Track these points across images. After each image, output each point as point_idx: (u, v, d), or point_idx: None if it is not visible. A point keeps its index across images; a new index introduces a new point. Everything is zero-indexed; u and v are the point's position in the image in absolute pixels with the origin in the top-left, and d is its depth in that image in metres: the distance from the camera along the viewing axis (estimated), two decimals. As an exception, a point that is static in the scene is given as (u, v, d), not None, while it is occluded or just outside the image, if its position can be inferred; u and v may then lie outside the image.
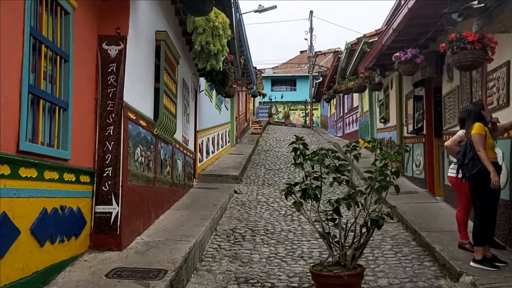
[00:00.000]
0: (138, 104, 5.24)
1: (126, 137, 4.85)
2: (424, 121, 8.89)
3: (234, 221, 7.27)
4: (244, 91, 21.50)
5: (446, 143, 5.19)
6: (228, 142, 16.73)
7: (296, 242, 6.10)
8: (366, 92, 15.29)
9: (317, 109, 37.75)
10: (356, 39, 13.70)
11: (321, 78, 26.59)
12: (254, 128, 24.01)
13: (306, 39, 36.21)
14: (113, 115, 4.71)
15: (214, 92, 13.38)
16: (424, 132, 8.91)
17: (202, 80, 11.21)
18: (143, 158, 5.45)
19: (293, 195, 4.13)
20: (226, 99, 16.28)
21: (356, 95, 18.23)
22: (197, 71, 9.91)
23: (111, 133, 4.69)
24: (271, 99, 38.94)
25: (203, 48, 5.92)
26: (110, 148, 4.68)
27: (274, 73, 43.75)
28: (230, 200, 8.85)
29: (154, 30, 5.98)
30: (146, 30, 5.64)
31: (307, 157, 3.99)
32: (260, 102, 37.88)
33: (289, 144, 4.33)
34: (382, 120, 12.65)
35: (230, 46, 8.47)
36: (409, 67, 7.26)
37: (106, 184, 4.64)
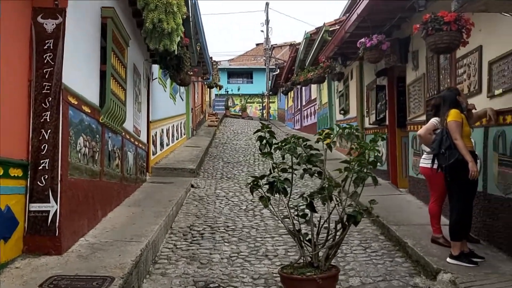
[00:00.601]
0: (80, 87, 4.60)
1: (66, 125, 4.21)
2: (387, 111, 8.66)
3: (191, 217, 6.74)
4: (200, 82, 20.84)
5: (419, 132, 4.88)
6: (184, 134, 16.07)
7: (259, 239, 5.66)
8: (325, 84, 15.08)
9: (274, 102, 37.57)
10: (316, 28, 13.43)
11: (278, 70, 26.32)
12: (211, 121, 23.41)
13: (262, 31, 35.79)
14: (50, 98, 4.06)
15: (168, 81, 12.71)
16: (387, 122, 8.69)
17: (156, 68, 10.56)
18: (87, 149, 4.82)
19: (259, 189, 3.66)
20: (181, 89, 15.62)
21: (314, 87, 18.02)
22: (149, 57, 9.26)
23: (48, 120, 4.05)
24: (227, 91, 38.43)
25: (155, 26, 5.33)
26: (47, 137, 4.04)
27: (230, 65, 43.17)
28: (187, 195, 8.30)
29: (99, 6, 5.33)
30: (90, 5, 4.99)
31: (276, 146, 3.53)
32: (216, 95, 37.26)
33: (254, 132, 3.86)
34: (342, 112, 12.43)
35: (185, 28, 7.89)
36: (375, 54, 6.95)
37: (42, 178, 4.00)
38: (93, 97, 5.08)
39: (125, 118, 6.35)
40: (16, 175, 3.77)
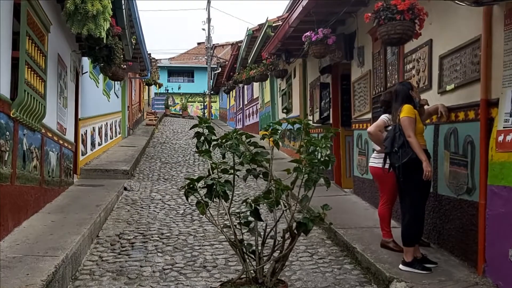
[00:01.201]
0: (-17, 74, 3.87)
1: (-39, 118, 3.49)
2: (331, 109, 8.43)
3: (121, 224, 6.09)
4: (138, 79, 19.88)
5: (369, 129, 4.57)
6: (119, 134, 15.16)
7: (197, 247, 5.14)
8: (268, 82, 14.78)
9: (215, 101, 37.04)
10: (258, 25, 13.04)
11: (220, 69, 25.78)
12: (149, 120, 22.44)
13: (203, 29, 35.06)
14: None
15: (101, 77, 11.83)
16: (331, 121, 8.44)
17: (87, 62, 9.72)
18: (-8, 148, 4.09)
19: (195, 194, 3.15)
20: (116, 86, 14.71)
21: (256, 86, 17.70)
22: (79, 48, 8.44)
23: None
24: (167, 90, 37.42)
25: (77, 8, 4.66)
26: None
27: (171, 63, 42.12)
28: (118, 199, 7.60)
29: (11, -18, 4.59)
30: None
31: (215, 143, 3.04)
32: (156, 93, 36.16)
33: (191, 128, 3.35)
34: (285, 111, 12.15)
35: (117, 16, 7.21)
36: (320, 49, 6.64)
37: None
38: (2, 87, 4.33)
39: (45, 113, 5.60)
40: None
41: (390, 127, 4.23)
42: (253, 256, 3.04)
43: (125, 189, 8.39)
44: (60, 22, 6.57)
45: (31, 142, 5.35)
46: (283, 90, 12.37)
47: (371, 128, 4.55)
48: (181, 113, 33.50)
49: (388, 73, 5.92)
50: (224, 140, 2.97)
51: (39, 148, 5.75)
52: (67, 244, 4.27)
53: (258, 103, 17.73)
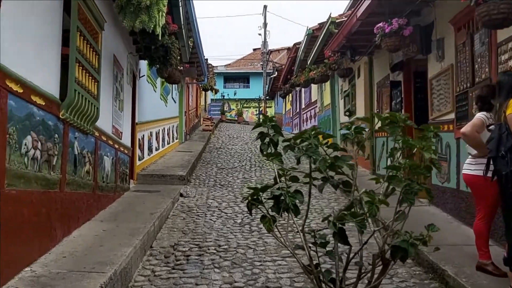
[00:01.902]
0: (29, 71, 3.54)
1: (2, 118, 3.15)
2: (402, 110, 7.63)
3: (176, 233, 5.67)
4: (195, 84, 19.81)
5: (464, 130, 3.82)
6: (176, 139, 15.02)
7: (258, 263, 4.60)
8: (327, 84, 14.10)
9: (271, 106, 36.63)
10: (318, 24, 12.42)
11: (276, 73, 25.33)
12: (206, 125, 22.36)
13: (260, 34, 34.98)
14: (-22, 82, 3.02)
15: (159, 81, 11.70)
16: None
17: (144, 65, 9.53)
18: (38, 152, 3.76)
19: (259, 206, 2.61)
20: (174, 91, 14.59)
21: (314, 89, 17.04)
22: (136, 51, 8.23)
23: (-26, 111, 3.00)
24: (223, 96, 37.49)
25: (130, -2, 4.30)
26: (-28, 134, 2.98)
27: (226, 70, 42.28)
28: (174, 205, 7.23)
29: (61, -26, 4.30)
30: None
31: (286, 144, 2.48)
32: (212, 99, 36.33)
33: (253, 128, 2.82)
34: (347, 113, 11.41)
35: (173, 14, 6.88)
36: (394, 41, 5.94)
37: (-36, 190, 2.94)
38: (50, 86, 4.02)
39: (98, 115, 5.29)
40: None
41: (492, 127, 3.50)
42: (332, 286, 2.45)
43: (181, 195, 8.04)
44: (116, 22, 6.31)
45: (83, 145, 5.05)
46: (345, 91, 11.65)
47: (466, 128, 3.80)
48: (236, 118, 33.39)
49: (476, 66, 5.12)
50: (299, 140, 2.40)
51: (93, 152, 5.46)
52: (116, 258, 3.86)
53: (316, 106, 17.05)
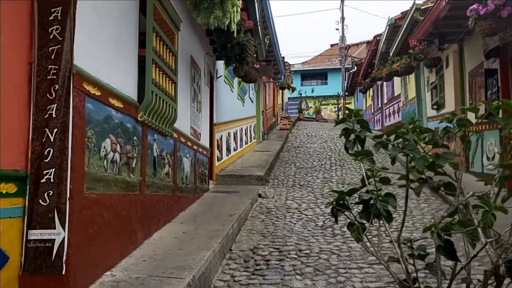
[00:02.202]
0: (106, 73, 3.53)
1: (80, 122, 3.14)
2: (500, 101, 6.86)
3: (256, 236, 5.50)
4: (272, 83, 19.71)
5: None
6: (254, 139, 14.99)
7: (343, 270, 4.28)
8: (412, 76, 13.29)
9: (350, 102, 35.61)
10: (401, 13, 11.72)
11: (355, 68, 24.52)
12: (283, 124, 22.20)
13: (337, 29, 34.24)
14: (57, 86, 3.02)
15: (235, 81, 11.70)
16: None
17: (221, 66, 9.54)
18: (117, 155, 3.75)
19: (346, 212, 2.32)
20: (251, 91, 14.57)
21: (397, 82, 16.19)
22: (212, 52, 8.22)
23: (54, 115, 3.00)
24: (301, 94, 37.15)
25: (203, -7, 4.18)
26: (52, 139, 2.98)
27: (303, 67, 41.84)
28: (253, 207, 7.09)
29: (136, -24, 4.28)
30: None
31: (378, 141, 2.17)
32: (289, 98, 36.13)
33: (336, 124, 2.53)
34: (435, 107, 10.62)
35: (248, 10, 6.74)
36: (491, 24, 5.33)
37: (46, 195, 2.94)
38: (128, 88, 4.01)
39: (176, 117, 5.26)
40: (6, 191, 2.74)
41: None
42: (434, 306, 2.10)
43: (260, 196, 7.89)
44: (193, 23, 6.29)
45: (162, 147, 5.04)
46: (432, 83, 10.86)
47: None
48: (314, 116, 32.90)
49: None
50: (396, 136, 2.07)
51: (172, 153, 5.45)
52: (195, 263, 3.74)
53: (400, 100, 16.18)
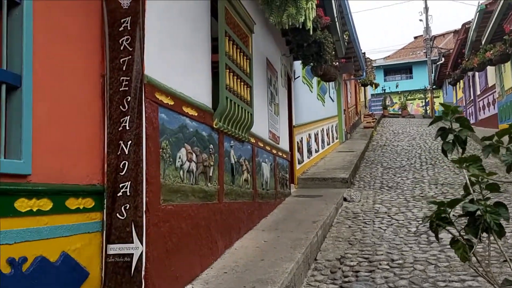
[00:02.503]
0: (178, 82, 3.45)
1: (154, 133, 3.07)
2: None
3: (342, 244, 5.18)
4: (353, 80, 19.07)
5: None
6: (336, 139, 14.55)
7: (442, 284, 3.84)
8: (508, 65, 12.10)
9: (439, 96, 33.64)
10: (492, -4, 10.70)
11: (443, 59, 23.05)
12: (367, 122, 21.40)
13: (420, 20, 32.26)
14: (129, 98, 2.96)
15: (314, 80, 11.40)
16: None
17: (299, 66, 9.30)
18: (193, 164, 3.65)
19: (447, 226, 1.97)
20: (331, 89, 14.15)
21: (491, 72, 14.87)
22: (289, 52, 8.01)
23: (128, 127, 2.94)
24: (384, 90, 35.79)
25: (275, -8, 3.97)
26: (127, 151, 2.93)
27: (386, 62, 40.33)
28: (338, 211, 6.75)
29: (206, -20, 4.18)
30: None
31: (488, 144, 1.81)
32: (372, 95, 34.96)
33: (431, 123, 2.19)
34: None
35: (325, 6, 6.43)
36: None
37: (123, 209, 2.89)
38: (202, 95, 3.91)
39: (252, 122, 5.11)
40: (84, 206, 2.72)
41: None
42: None
43: (345, 199, 7.52)
44: (267, 23, 6.12)
45: (239, 154, 4.90)
46: (534, 70, 9.76)
47: None
48: (400, 112, 31.48)
49: None
50: (508, 139, 1.71)
51: (250, 159, 5.31)
52: (278, 275, 3.54)
53: (495, 91, 14.85)
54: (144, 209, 2.88)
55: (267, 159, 6.14)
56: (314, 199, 7.20)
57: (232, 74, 4.49)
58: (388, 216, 6.34)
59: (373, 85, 25.85)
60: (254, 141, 5.49)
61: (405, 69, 39.73)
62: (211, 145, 4.05)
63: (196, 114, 3.73)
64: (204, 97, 3.96)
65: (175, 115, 3.39)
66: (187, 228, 3.47)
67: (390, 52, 44.80)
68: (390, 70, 39.44)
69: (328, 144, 12.87)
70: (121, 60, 3.00)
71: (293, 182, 8.29)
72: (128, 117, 2.95)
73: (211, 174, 4.01)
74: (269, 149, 6.30)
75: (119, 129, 2.95)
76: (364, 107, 28.09)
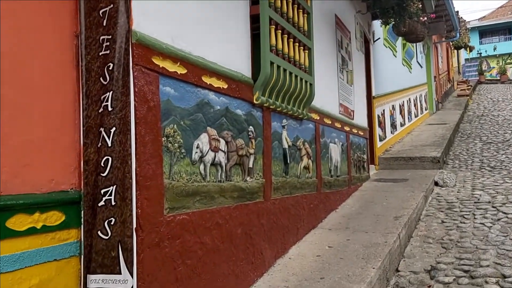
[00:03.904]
0: (194, 41, 2.48)
1: (150, 115, 2.15)
2: None
3: (433, 248, 4.00)
4: (444, 42, 16.92)
5: None
6: (425, 110, 12.88)
7: None
8: None
9: (547, 57, 29.57)
10: None
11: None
12: (461, 90, 19.11)
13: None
14: (111, 65, 2.06)
15: (399, 43, 9.91)
16: None
17: (379, 27, 7.93)
18: (222, 154, 2.70)
19: None
20: (418, 54, 12.44)
21: None
22: (366, 9, 6.72)
23: (110, 108, 2.06)
24: (480, 53, 32.29)
25: None
26: (109, 143, 2.05)
27: (481, 23, 36.38)
28: (427, 200, 5.51)
29: None
30: None
31: None
32: (466, 59, 31.70)
33: None
34: None
35: None
36: None
37: (106, 225, 2.04)
38: (234, 60, 2.92)
39: (311, 93, 4.02)
40: (40, 225, 1.89)
41: None
42: None
43: (436, 184, 6.22)
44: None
45: (296, 135, 3.87)
46: None
47: None
48: (498, 78, 28.13)
49: None
50: None
51: (312, 141, 4.25)
52: (339, 308, 2.52)
53: None
54: (135, 225, 2.00)
55: (336, 139, 5.04)
56: (398, 184, 5.99)
57: (281, 32, 3.43)
58: (493, 207, 5.00)
59: (468, 48, 23.13)
60: (318, 118, 4.41)
61: (504, 30, 35.83)
62: (251, 127, 3.07)
63: (225, 87, 2.76)
64: (238, 63, 2.96)
65: (190, 88, 2.44)
66: (213, 242, 2.55)
67: (486, 12, 40.28)
68: (486, 32, 35.62)
69: (416, 116, 11.32)
70: (101, 11, 2.10)
71: (373, 162, 7.10)
72: (111, 92, 2.06)
73: (251, 165, 3.04)
74: (340, 126, 5.18)
75: (99, 111, 2.07)
76: (458, 73, 25.35)
